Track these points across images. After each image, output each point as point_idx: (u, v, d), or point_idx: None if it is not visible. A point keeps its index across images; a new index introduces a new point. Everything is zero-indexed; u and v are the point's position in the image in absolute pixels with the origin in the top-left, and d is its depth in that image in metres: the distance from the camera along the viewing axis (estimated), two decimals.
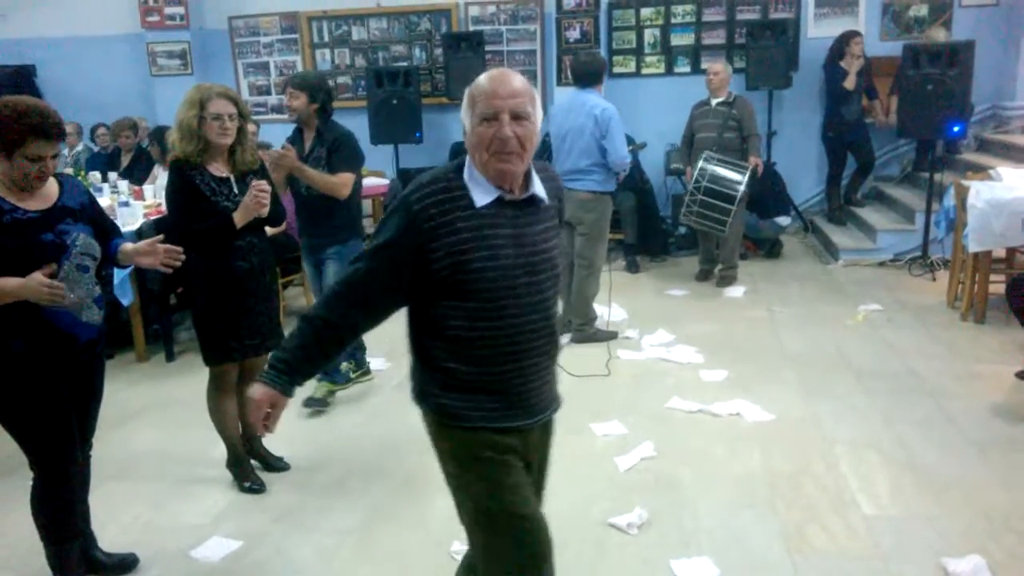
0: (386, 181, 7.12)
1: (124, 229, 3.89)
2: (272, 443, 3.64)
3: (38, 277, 2.35)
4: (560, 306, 5.58)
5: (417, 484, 3.37)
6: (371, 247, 1.83)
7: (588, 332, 5.07)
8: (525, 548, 1.89)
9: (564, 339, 5.10)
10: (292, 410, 4.17)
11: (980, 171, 5.69)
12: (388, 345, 4.58)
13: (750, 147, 6.07)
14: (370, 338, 4.19)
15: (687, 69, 7.82)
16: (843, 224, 7.32)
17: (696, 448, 3.63)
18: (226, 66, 8.63)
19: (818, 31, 7.49)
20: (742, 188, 5.72)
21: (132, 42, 8.51)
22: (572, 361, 4.66)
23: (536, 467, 2.04)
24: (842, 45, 6.97)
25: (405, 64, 8.10)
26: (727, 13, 7.69)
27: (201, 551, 2.99)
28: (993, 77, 7.14)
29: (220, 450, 3.49)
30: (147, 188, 5.85)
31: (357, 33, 8.42)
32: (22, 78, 8.50)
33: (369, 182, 6.76)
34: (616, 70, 7.88)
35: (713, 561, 2.78)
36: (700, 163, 5.86)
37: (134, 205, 5.38)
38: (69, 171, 5.89)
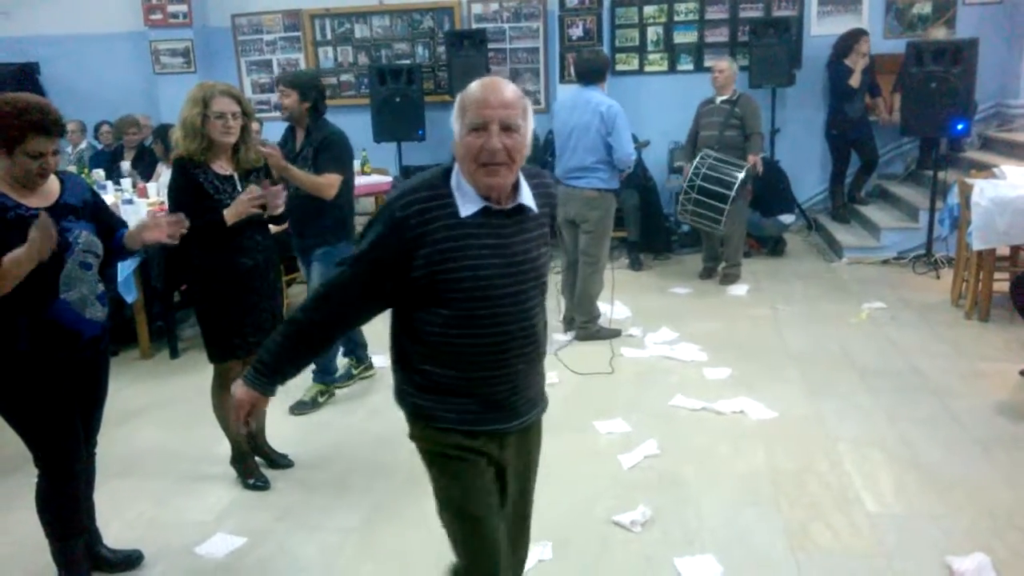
0: (389, 178, 7.12)
1: None
2: (275, 440, 3.66)
3: (30, 235, 2.28)
4: (563, 305, 5.56)
5: (419, 482, 3.31)
6: (355, 253, 1.85)
7: (592, 330, 5.07)
8: (471, 546, 1.94)
9: (568, 336, 5.10)
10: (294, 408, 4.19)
11: (984, 169, 5.68)
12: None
13: (751, 145, 6.02)
14: (372, 335, 4.23)
15: (690, 67, 7.81)
16: (847, 222, 7.32)
17: (700, 446, 3.63)
18: (229, 64, 8.63)
19: (821, 29, 7.48)
20: (736, 187, 5.69)
21: (135, 40, 8.51)
22: (576, 359, 4.67)
23: (515, 473, 2.03)
24: (849, 43, 6.95)
25: (408, 62, 8.09)
26: (730, 11, 7.67)
27: (205, 548, 3.00)
28: (997, 75, 7.12)
29: (224, 447, 3.49)
30: (151, 186, 5.86)
31: (360, 31, 8.41)
32: (26, 76, 8.48)
33: (372, 179, 6.78)
34: (619, 68, 7.87)
35: (717, 559, 2.78)
36: (696, 161, 5.85)
37: (138, 203, 5.39)
38: (72, 169, 5.89)
